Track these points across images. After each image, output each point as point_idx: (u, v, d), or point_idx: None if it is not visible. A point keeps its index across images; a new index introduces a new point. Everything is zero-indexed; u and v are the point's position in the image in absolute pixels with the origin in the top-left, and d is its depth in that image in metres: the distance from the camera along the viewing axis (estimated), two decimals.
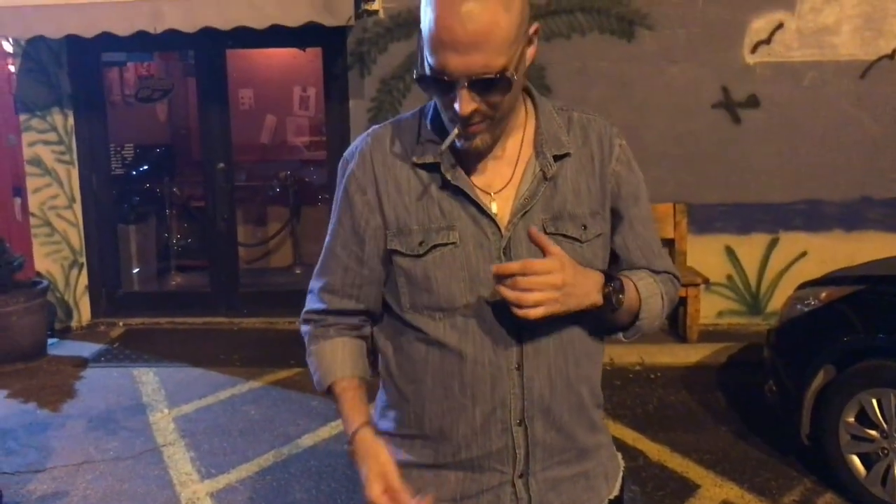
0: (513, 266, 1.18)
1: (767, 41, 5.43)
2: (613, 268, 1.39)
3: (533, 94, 1.35)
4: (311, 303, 1.44)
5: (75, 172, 6.04)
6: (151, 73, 7.66)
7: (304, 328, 1.46)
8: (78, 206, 6.06)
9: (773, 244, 5.61)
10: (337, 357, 1.40)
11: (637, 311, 1.32)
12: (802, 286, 3.86)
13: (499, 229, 1.28)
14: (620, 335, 1.37)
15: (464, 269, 1.28)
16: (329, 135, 6.13)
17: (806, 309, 3.62)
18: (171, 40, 5.38)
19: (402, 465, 1.38)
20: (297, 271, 7.29)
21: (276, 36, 5.25)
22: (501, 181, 1.31)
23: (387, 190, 1.32)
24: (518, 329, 1.27)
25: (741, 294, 5.68)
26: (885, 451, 3.15)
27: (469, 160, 1.30)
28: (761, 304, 5.67)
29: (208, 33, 5.14)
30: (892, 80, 5.39)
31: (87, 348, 5.58)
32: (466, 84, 1.16)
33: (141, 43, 5.61)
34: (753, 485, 3.47)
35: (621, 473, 1.47)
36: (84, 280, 6.13)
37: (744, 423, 4.12)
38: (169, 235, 7.48)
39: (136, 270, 6.88)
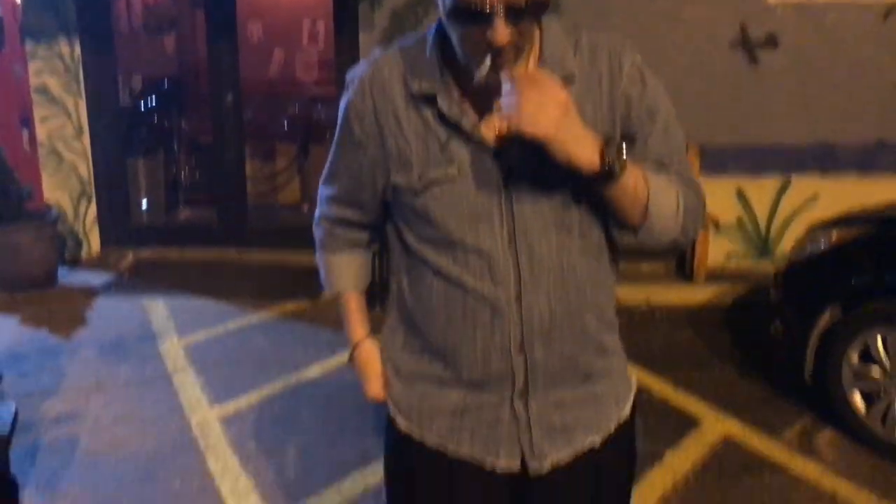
0: (520, 71, 1.15)
1: None
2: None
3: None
4: (321, 207, 1.53)
5: (83, 103, 6.00)
6: (159, 4, 7.54)
7: (317, 232, 1.56)
8: (86, 137, 6.04)
9: (784, 187, 5.57)
10: (344, 271, 1.55)
11: (645, 201, 1.25)
12: (813, 227, 3.84)
13: (498, 162, 1.26)
14: (633, 238, 1.30)
15: (463, 204, 1.27)
16: (338, 69, 6.05)
17: (816, 250, 3.61)
18: None
19: (408, 377, 1.43)
20: (305, 208, 7.29)
21: None
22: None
23: (387, 122, 1.30)
24: (517, 260, 1.28)
25: (750, 237, 5.66)
26: (887, 390, 3.18)
27: (469, 90, 1.26)
28: (770, 247, 5.66)
29: None
30: None
31: (97, 278, 5.63)
32: (503, 12, 1.12)
33: None
34: (755, 420, 3.51)
35: (633, 395, 1.47)
36: (93, 211, 6.14)
37: (748, 362, 4.16)
38: (177, 169, 7.47)
39: (144, 203, 6.88)
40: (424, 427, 1.41)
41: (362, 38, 5.68)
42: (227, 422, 3.55)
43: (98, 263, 6.02)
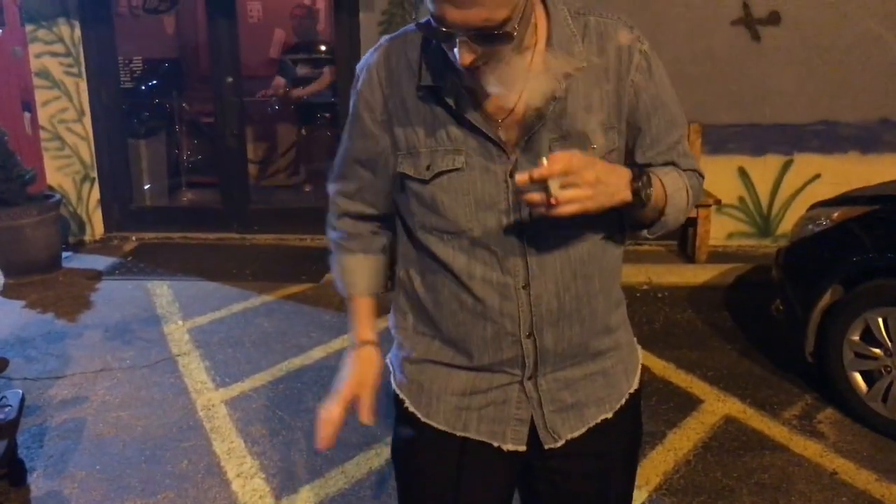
0: (550, 169, 1.10)
1: None
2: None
3: (546, 1, 1.28)
4: (333, 206, 1.51)
5: (84, 85, 5.99)
6: None
7: (331, 234, 1.53)
8: (88, 120, 6.04)
9: (786, 166, 5.56)
10: (357, 275, 1.51)
11: (663, 206, 1.29)
12: (815, 206, 3.84)
13: (505, 153, 1.26)
14: (645, 232, 1.34)
15: (469, 194, 1.28)
16: (338, 50, 6.03)
17: (817, 229, 3.61)
18: None
19: (418, 361, 1.44)
20: (307, 189, 7.29)
21: None
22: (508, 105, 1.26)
23: (395, 111, 1.30)
24: (524, 249, 1.29)
25: (752, 216, 5.66)
26: (888, 369, 3.19)
27: (475, 81, 1.23)
28: (772, 227, 5.66)
29: None
30: None
31: (101, 261, 5.66)
32: (466, 37, 1.12)
33: None
34: (755, 400, 3.54)
35: (640, 365, 1.50)
36: (96, 194, 6.16)
37: (749, 341, 4.17)
38: (179, 151, 7.47)
39: (147, 185, 6.89)
40: (432, 409, 1.42)
41: (362, 17, 5.65)
42: (233, 404, 3.58)
43: (101, 247, 6.05)
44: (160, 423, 3.42)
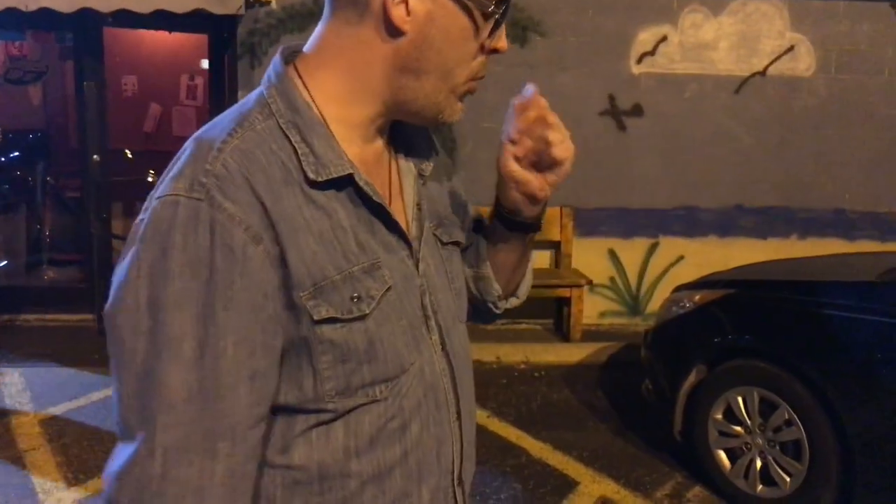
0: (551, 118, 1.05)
1: (652, 53, 5.66)
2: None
3: None
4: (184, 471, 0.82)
5: None
6: (24, 54, 7.19)
7: None
8: None
9: (653, 248, 5.85)
10: None
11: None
12: (678, 289, 4.03)
13: (410, 249, 0.98)
14: (516, 298, 1.23)
15: (403, 317, 0.95)
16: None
17: (681, 311, 3.78)
18: (46, 19, 5.06)
19: None
20: None
21: (160, 19, 5.03)
22: (386, 190, 1.00)
23: (284, 231, 0.85)
24: (451, 368, 1.02)
25: (622, 295, 5.89)
26: (749, 446, 3.33)
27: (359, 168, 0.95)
28: (641, 305, 5.90)
29: (87, 13, 4.87)
30: (763, 95, 5.73)
31: None
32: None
33: (12, 20, 5.25)
34: (629, 480, 3.59)
35: None
36: None
37: (622, 421, 4.26)
38: (41, 227, 7.03)
39: (3, 263, 6.43)
40: None
41: (241, 96, 5.59)
42: None
43: None
44: None
